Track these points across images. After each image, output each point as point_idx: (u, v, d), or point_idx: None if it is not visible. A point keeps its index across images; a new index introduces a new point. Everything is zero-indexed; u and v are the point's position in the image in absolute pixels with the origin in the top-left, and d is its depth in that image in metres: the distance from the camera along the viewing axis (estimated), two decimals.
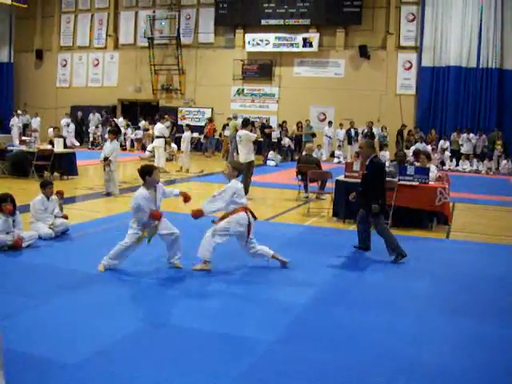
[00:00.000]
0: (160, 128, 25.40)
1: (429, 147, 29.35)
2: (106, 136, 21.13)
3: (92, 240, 11.72)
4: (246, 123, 18.83)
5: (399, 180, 14.27)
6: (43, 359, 6.03)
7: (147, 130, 34.25)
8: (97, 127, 38.05)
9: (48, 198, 11.85)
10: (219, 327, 7.25)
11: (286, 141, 33.67)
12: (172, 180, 22.51)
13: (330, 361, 6.36)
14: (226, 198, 9.58)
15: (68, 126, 35.75)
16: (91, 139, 37.91)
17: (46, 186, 11.89)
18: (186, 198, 10.13)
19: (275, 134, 33.18)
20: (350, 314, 7.90)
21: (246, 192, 17.30)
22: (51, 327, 6.96)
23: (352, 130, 33.49)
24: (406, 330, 7.39)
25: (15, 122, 36.16)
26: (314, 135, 34.06)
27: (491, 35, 33.00)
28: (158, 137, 25.15)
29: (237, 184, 9.82)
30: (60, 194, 12.33)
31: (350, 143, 33.42)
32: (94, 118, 38.75)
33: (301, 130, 34.56)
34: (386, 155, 28.60)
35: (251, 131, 19.20)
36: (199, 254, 9.60)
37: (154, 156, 26.69)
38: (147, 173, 9.56)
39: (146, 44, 39.79)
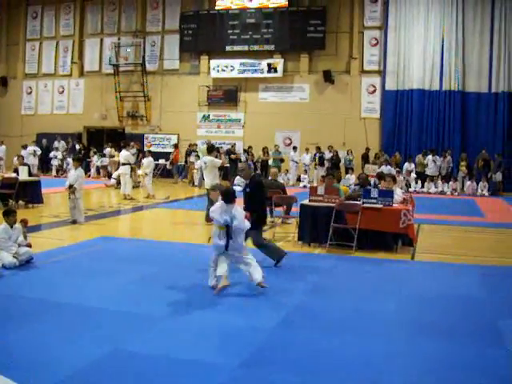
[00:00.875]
0: (126, 155, 25.42)
1: (393, 170, 29.55)
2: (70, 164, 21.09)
3: (57, 268, 11.65)
4: (211, 149, 18.93)
5: (363, 203, 14.37)
6: None
7: (113, 156, 34.14)
8: (63, 155, 37.87)
9: (11, 227, 11.76)
10: (182, 353, 7.24)
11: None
12: (139, 206, 22.50)
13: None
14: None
15: (34, 154, 35.54)
16: (56, 167, 37.65)
17: (9, 215, 11.80)
18: None
19: (243, 158, 33.29)
20: (317, 338, 7.92)
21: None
22: (20, 354, 6.93)
23: (317, 155, 33.57)
24: (373, 353, 7.43)
25: None
26: (282, 160, 34.24)
27: (453, 58, 33.45)
28: (123, 164, 25.14)
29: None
30: (24, 222, 12.27)
31: (321, 165, 33.25)
32: (59, 146, 38.53)
33: (267, 155, 34.65)
34: (351, 178, 28.76)
35: (216, 157, 19.27)
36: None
37: (119, 183, 26.71)
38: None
39: (112, 71, 39.73)
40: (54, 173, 37.21)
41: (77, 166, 17.68)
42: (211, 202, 16.24)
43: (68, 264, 12.02)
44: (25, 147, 35.59)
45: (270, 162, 34.07)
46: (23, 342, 7.42)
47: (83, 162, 20.62)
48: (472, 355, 7.42)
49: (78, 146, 38.92)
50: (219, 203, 10.22)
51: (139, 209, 22.00)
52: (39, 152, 36.33)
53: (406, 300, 9.94)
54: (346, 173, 31.86)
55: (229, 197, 10.15)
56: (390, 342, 7.88)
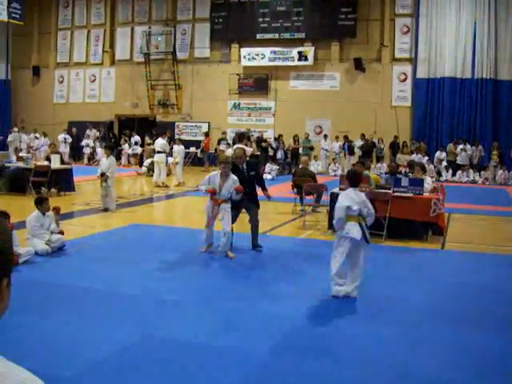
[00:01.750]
0: (162, 143, 25.58)
1: (424, 159, 29.42)
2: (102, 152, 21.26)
3: (88, 255, 11.77)
4: (242, 137, 18.94)
5: (393, 191, 14.35)
6: (38, 373, 6.08)
7: (149, 144, 34.35)
8: (95, 143, 38.07)
9: (44, 214, 11.89)
10: (211, 339, 7.31)
11: (279, 154, 33.70)
12: (170, 194, 22.62)
13: (328, 373, 6.43)
14: None
15: (65, 141, 35.83)
16: (87, 155, 37.86)
17: (41, 203, 11.92)
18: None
19: (274, 145, 33.34)
20: (345, 326, 7.96)
21: None
22: (49, 341, 7.04)
23: (346, 144, 33.49)
24: (399, 340, 7.46)
25: (13, 139, 36.15)
26: (312, 148, 34.18)
27: (485, 46, 33.13)
28: (159, 152, 25.31)
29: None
30: (56, 210, 12.41)
31: (351, 154, 33.22)
32: (91, 134, 38.76)
33: (297, 143, 34.65)
34: (382, 167, 28.66)
35: (246, 145, 19.27)
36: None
37: (151, 171, 26.88)
38: None
39: (143, 60, 39.87)
40: (85, 161, 37.39)
41: (108, 154, 17.82)
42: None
43: (99, 251, 12.14)
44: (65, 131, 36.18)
45: (301, 150, 34.08)
46: (52, 328, 7.54)
47: (114, 150, 20.68)
48: (496, 345, 7.43)
49: (110, 134, 39.16)
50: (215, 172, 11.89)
51: (170, 197, 22.12)
52: (70, 140, 36.57)
53: (434, 289, 9.92)
54: (377, 161, 31.75)
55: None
56: (416, 329, 7.89)
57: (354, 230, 8.89)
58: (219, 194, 11.73)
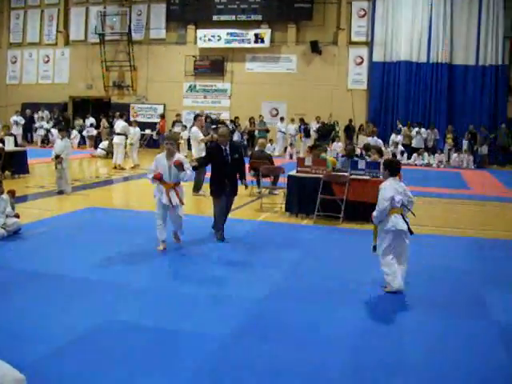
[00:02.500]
0: (123, 125, 25.43)
1: (380, 141, 29.60)
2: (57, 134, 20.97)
3: (44, 239, 11.63)
4: (195, 118, 18.91)
5: (351, 174, 14.41)
6: None
7: (106, 127, 34.12)
8: (49, 125, 37.55)
9: None
10: (172, 323, 7.28)
11: (236, 136, 33.62)
12: (126, 177, 22.45)
13: (285, 354, 6.44)
14: None
15: (17, 124, 35.26)
16: (41, 137, 37.28)
17: None
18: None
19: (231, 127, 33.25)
20: (304, 308, 7.97)
21: (199, 188, 17.38)
22: (7, 327, 6.92)
23: (302, 127, 33.53)
24: (358, 322, 7.49)
25: None
26: (267, 131, 34.13)
27: (441, 30, 33.44)
28: (119, 134, 25.12)
29: None
30: (11, 193, 12.23)
31: (307, 136, 33.20)
32: (44, 115, 38.21)
33: (253, 125, 34.62)
34: (337, 147, 28.67)
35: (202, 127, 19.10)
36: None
37: (107, 153, 26.69)
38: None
39: (97, 40, 39.39)
40: (39, 143, 36.84)
41: (63, 136, 17.59)
42: (198, 173, 16.29)
43: (56, 234, 12.00)
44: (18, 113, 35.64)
45: (256, 132, 34.05)
46: (9, 313, 7.43)
47: (68, 131, 20.35)
48: (460, 326, 7.52)
49: (65, 116, 38.62)
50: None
51: (126, 179, 21.95)
52: (23, 122, 35.98)
53: None
54: (333, 141, 31.89)
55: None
56: (374, 312, 7.94)
57: (399, 222, 8.64)
58: (169, 176, 10.86)
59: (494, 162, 32.50)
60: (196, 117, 19.23)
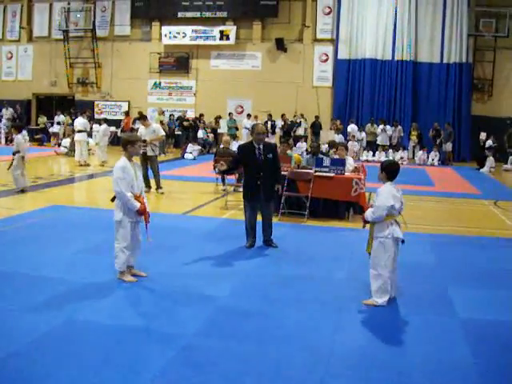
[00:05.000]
0: (83, 122, 25.44)
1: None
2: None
3: (7, 238, 11.45)
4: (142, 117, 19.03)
5: (315, 171, 14.40)
6: None
7: (70, 124, 33.94)
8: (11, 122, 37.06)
9: None
10: (136, 322, 7.21)
11: (201, 134, 33.54)
12: (90, 174, 22.30)
13: (251, 352, 6.42)
14: None
15: None
16: (5, 135, 36.79)
17: None
18: None
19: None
20: (267, 308, 7.92)
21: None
22: None
23: (269, 123, 33.54)
24: (324, 321, 7.46)
25: None
26: (237, 128, 34.22)
27: (405, 28, 33.61)
28: (80, 131, 25.01)
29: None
30: None
31: (273, 133, 33.14)
32: (7, 113, 37.78)
33: (218, 124, 34.65)
34: (302, 147, 28.76)
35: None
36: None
37: (70, 151, 26.56)
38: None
39: (61, 37, 39.00)
40: (3, 141, 36.33)
41: (17, 134, 17.38)
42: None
43: (19, 233, 11.84)
44: None
45: (221, 130, 34.07)
46: None
47: (22, 129, 19.92)
48: (423, 322, 7.54)
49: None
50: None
51: (91, 177, 21.79)
52: None
53: (356, 268, 9.91)
54: (297, 141, 31.91)
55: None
56: (340, 310, 7.91)
57: (396, 229, 8.16)
58: (137, 186, 9.00)
59: (458, 159, 32.81)
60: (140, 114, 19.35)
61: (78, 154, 24.93)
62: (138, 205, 8.73)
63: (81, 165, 24.57)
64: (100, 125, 26.72)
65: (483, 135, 32.67)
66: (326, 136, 29.83)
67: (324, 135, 31.16)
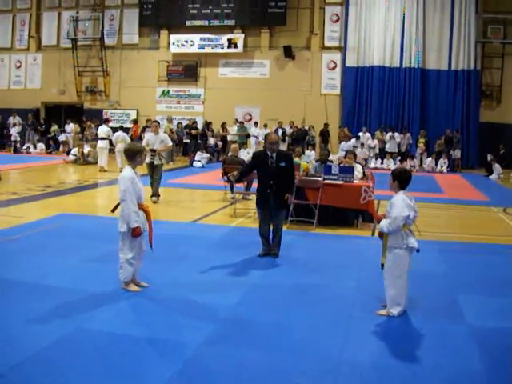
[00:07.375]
0: (106, 130, 26.13)
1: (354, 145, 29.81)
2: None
3: (15, 246, 11.41)
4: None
5: (324, 179, 14.38)
6: None
7: (78, 133, 34.15)
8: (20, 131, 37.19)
9: None
10: (145, 331, 7.19)
11: (211, 141, 33.59)
12: (111, 181, 22.29)
13: (260, 361, 6.37)
14: None
15: None
16: (15, 143, 36.85)
17: None
18: None
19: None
20: (276, 315, 7.90)
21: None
22: None
23: (280, 130, 33.52)
24: (333, 330, 7.44)
25: None
26: (248, 136, 34.22)
27: (413, 35, 33.66)
28: (102, 138, 25.80)
29: None
30: None
31: (282, 141, 33.04)
32: (16, 121, 37.85)
33: (226, 130, 34.59)
34: (311, 155, 28.76)
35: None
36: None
37: (79, 159, 26.86)
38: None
39: (70, 45, 39.17)
40: (12, 149, 36.33)
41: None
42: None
43: (27, 242, 11.82)
44: None
45: (230, 137, 34.02)
46: None
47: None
48: (434, 331, 7.48)
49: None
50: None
51: (111, 183, 21.76)
52: None
53: (367, 276, 9.90)
54: (307, 149, 31.88)
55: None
56: (350, 318, 7.89)
57: (411, 239, 8.06)
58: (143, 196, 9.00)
59: (466, 166, 32.77)
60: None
61: (99, 161, 25.89)
62: (136, 225, 8.56)
63: (105, 171, 25.29)
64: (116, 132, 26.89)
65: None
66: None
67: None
